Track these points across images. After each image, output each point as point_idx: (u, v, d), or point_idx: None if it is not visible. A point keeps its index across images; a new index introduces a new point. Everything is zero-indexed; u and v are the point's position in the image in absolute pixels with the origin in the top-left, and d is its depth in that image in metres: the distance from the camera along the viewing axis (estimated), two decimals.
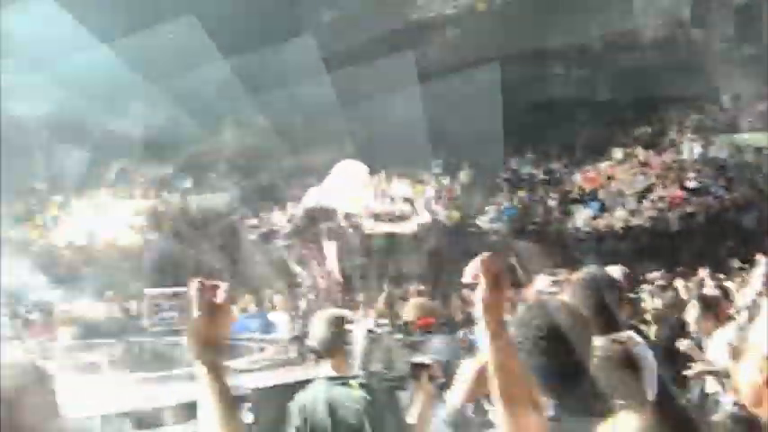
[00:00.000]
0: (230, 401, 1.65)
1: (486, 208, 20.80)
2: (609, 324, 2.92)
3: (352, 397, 3.49)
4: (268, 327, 10.54)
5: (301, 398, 3.59)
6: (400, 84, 19.62)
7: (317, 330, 3.70)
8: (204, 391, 1.65)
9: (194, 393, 1.76)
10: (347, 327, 3.64)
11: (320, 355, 3.69)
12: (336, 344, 3.59)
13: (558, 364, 1.95)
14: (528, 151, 23.39)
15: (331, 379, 3.58)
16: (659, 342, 6.36)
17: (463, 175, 22.67)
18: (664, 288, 11.24)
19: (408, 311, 4.83)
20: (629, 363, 2.54)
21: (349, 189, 8.38)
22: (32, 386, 1.71)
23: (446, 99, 22.34)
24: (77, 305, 13.10)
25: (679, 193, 19.13)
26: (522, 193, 21.17)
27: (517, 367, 1.72)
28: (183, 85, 17.62)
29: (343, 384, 3.51)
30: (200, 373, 1.66)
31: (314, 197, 8.58)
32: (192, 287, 1.72)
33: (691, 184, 19.46)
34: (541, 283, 4.21)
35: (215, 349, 1.68)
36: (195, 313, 1.69)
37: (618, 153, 22.10)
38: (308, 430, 3.48)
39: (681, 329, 6.90)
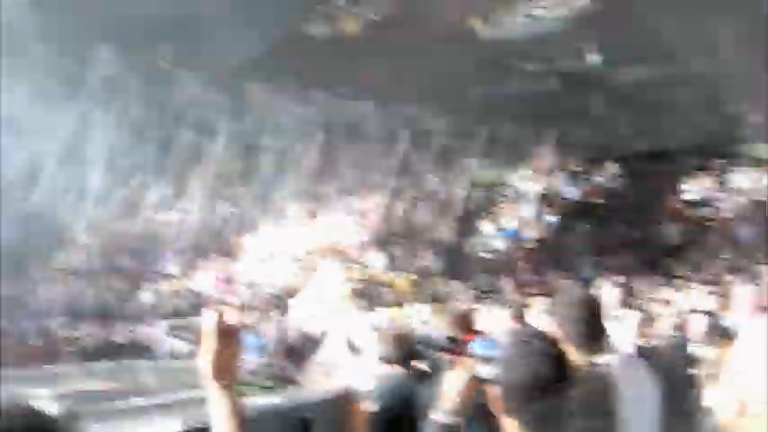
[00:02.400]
0: (242, 424, 1.71)
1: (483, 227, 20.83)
2: (592, 345, 2.96)
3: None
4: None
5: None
6: None
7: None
8: (217, 415, 1.71)
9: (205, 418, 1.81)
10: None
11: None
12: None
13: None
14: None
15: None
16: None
17: (461, 191, 22.66)
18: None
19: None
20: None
21: None
22: None
23: None
24: None
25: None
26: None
27: None
28: None
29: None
30: (213, 396, 1.72)
31: None
32: (208, 316, 1.76)
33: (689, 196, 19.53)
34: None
35: (230, 373, 1.74)
36: (211, 340, 1.73)
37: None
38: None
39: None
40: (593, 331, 2.97)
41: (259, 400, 5.41)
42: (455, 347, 4.24)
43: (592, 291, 3.47)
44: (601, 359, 2.85)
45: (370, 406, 4.34)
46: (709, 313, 6.49)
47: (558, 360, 2.07)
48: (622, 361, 2.99)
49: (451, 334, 4.72)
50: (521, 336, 2.32)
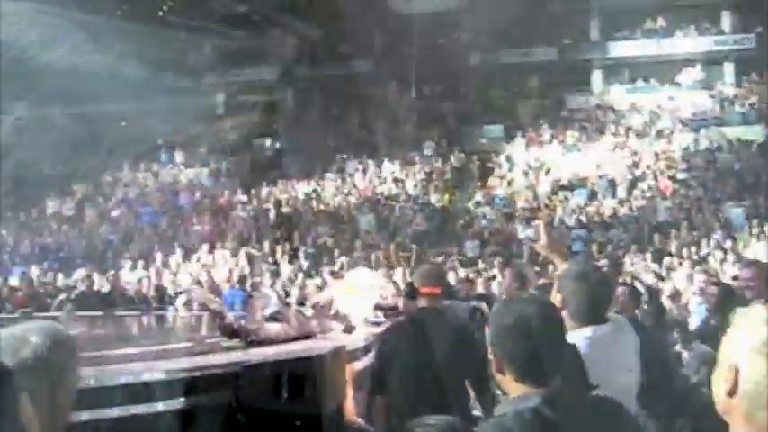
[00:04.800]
0: None
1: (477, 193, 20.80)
2: (596, 317, 2.94)
3: None
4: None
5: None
6: None
7: None
8: None
9: None
10: None
11: None
12: None
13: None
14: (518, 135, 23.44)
15: None
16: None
17: (454, 159, 22.57)
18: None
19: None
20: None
21: None
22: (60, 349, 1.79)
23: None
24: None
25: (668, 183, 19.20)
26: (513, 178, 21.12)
27: None
28: None
29: None
30: None
31: None
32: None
33: (681, 175, 19.52)
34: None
35: None
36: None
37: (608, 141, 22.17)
38: None
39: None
40: (592, 305, 2.95)
41: (251, 354, 5.36)
42: None
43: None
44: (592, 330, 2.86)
45: (358, 364, 4.30)
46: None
47: (546, 307, 2.05)
48: (608, 331, 2.98)
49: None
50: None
